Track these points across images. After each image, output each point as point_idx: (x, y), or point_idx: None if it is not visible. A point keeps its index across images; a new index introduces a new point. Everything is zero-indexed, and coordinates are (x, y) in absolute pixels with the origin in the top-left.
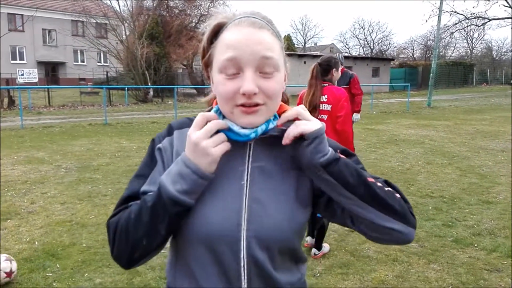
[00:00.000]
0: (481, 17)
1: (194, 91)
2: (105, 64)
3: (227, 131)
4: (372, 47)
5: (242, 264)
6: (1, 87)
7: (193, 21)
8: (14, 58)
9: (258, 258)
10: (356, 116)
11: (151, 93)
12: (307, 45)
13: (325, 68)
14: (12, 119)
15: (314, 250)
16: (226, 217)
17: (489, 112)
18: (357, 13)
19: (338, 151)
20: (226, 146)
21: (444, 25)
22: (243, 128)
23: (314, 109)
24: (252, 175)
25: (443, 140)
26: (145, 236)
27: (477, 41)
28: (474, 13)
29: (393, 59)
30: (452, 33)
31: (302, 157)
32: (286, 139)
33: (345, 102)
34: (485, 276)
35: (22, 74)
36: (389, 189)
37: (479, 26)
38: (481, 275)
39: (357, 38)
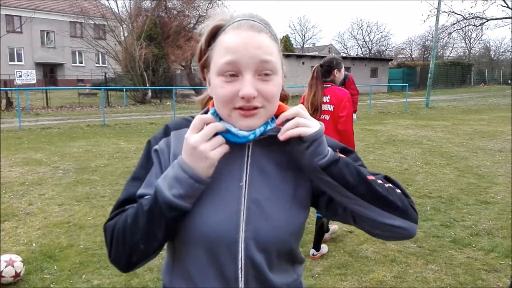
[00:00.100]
0: (479, 17)
1: (193, 92)
2: (103, 65)
3: (225, 133)
4: (370, 48)
5: (239, 266)
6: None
7: (192, 22)
8: (12, 59)
9: (256, 259)
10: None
11: (150, 94)
12: (305, 46)
13: (327, 69)
14: (10, 121)
15: (312, 251)
16: (224, 219)
17: (487, 112)
18: (355, 13)
19: (338, 149)
20: (224, 149)
21: (442, 25)
22: (241, 130)
23: (315, 110)
24: (251, 176)
25: (441, 140)
26: (142, 241)
27: (475, 41)
28: (472, 13)
29: (391, 60)
30: (450, 33)
31: (301, 160)
32: (282, 135)
33: (347, 103)
34: (483, 277)
35: (20, 76)
36: (390, 185)
37: (477, 26)
38: (479, 275)
39: (356, 38)
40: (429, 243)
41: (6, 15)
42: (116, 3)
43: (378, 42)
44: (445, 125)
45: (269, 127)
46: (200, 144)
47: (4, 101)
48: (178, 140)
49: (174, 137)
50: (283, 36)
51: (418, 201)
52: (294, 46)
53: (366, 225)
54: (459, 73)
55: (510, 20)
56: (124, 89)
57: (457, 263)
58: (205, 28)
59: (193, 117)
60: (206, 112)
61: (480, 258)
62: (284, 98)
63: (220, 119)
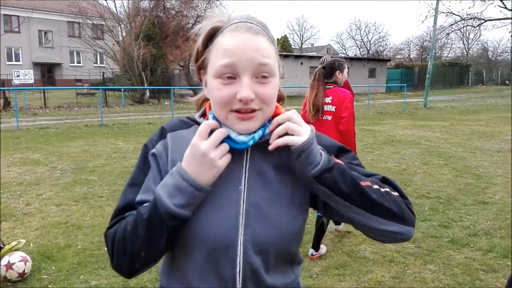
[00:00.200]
0: (477, 18)
1: (191, 92)
2: (101, 65)
3: (225, 138)
4: (368, 48)
5: (238, 269)
6: None
7: (190, 22)
8: (10, 59)
9: (254, 262)
10: None
11: (148, 94)
12: (304, 46)
13: (329, 70)
14: (7, 121)
15: (311, 251)
16: (223, 223)
17: (485, 112)
18: (353, 14)
19: (335, 149)
20: (229, 158)
21: (440, 26)
22: (240, 134)
23: (317, 111)
24: (250, 180)
25: (439, 140)
26: (143, 249)
27: (473, 42)
28: (470, 14)
29: (389, 60)
30: (448, 34)
31: (294, 168)
32: (272, 145)
33: (349, 104)
34: (481, 277)
35: (18, 76)
36: (386, 189)
37: (475, 27)
38: (477, 275)
39: (354, 39)
40: (427, 244)
41: (4, 14)
42: (114, 3)
43: (376, 42)
44: (443, 126)
45: (267, 131)
46: (210, 152)
47: (1, 101)
48: (176, 142)
49: (171, 139)
50: (282, 37)
51: (416, 202)
52: (293, 46)
53: (363, 230)
54: (457, 73)
55: (507, 20)
56: (122, 89)
57: (455, 263)
58: (202, 29)
59: (188, 118)
60: (203, 113)
61: (478, 258)
62: (280, 99)
63: (217, 121)
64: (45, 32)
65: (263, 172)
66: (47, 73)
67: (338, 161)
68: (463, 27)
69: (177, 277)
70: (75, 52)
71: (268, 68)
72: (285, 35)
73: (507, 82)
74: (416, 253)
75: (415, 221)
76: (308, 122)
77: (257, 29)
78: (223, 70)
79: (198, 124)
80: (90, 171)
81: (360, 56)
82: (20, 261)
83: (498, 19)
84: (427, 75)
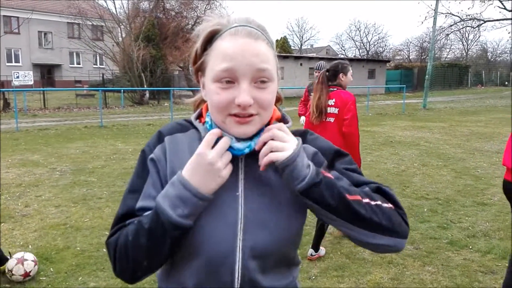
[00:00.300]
0: (476, 19)
1: (190, 93)
2: (101, 66)
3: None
4: (368, 49)
5: (236, 275)
6: None
7: (190, 23)
8: (9, 60)
9: (252, 267)
10: None
11: (147, 95)
12: (303, 47)
13: (332, 73)
14: (7, 122)
15: (311, 251)
16: (223, 230)
17: (484, 113)
18: (353, 15)
19: (331, 153)
20: (231, 167)
21: (440, 26)
22: (237, 141)
23: (320, 113)
24: (247, 186)
25: (438, 141)
26: (145, 258)
27: (472, 43)
28: (469, 15)
29: (388, 61)
30: (447, 34)
31: (283, 182)
32: (261, 166)
33: (351, 106)
34: (479, 278)
35: (18, 77)
36: (377, 202)
37: (474, 28)
38: (476, 277)
39: (353, 40)
40: (426, 245)
41: (4, 16)
42: (114, 4)
43: (375, 43)
44: (442, 127)
45: (256, 147)
46: (217, 161)
47: (1, 102)
48: (174, 146)
49: (169, 143)
50: (281, 37)
51: (415, 203)
52: (292, 47)
53: (353, 241)
54: (457, 74)
55: (507, 21)
56: (122, 90)
57: (454, 265)
58: (200, 32)
59: (186, 120)
60: (199, 114)
61: (477, 260)
62: (277, 100)
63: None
64: (45, 33)
65: (259, 177)
66: (47, 74)
67: (328, 174)
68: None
69: (175, 282)
70: (74, 53)
71: (267, 73)
72: (285, 36)
73: (506, 83)
74: (414, 254)
75: (408, 232)
76: (311, 124)
77: (256, 34)
78: (222, 75)
79: (195, 127)
80: (89, 173)
81: (360, 57)
82: (32, 260)
83: (497, 20)
84: (427, 76)
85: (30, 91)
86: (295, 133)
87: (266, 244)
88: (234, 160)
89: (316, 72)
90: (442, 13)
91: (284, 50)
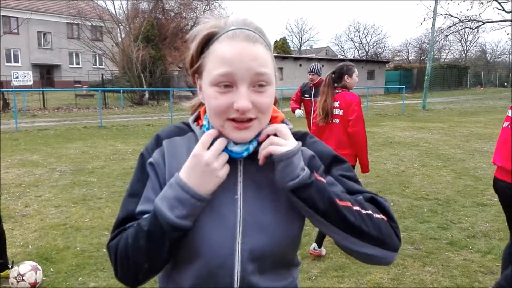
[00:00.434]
0: (475, 20)
1: (190, 93)
2: (100, 66)
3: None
4: (367, 50)
5: (235, 278)
6: None
7: (189, 23)
8: (9, 60)
9: (251, 270)
10: None
11: (147, 95)
12: (302, 48)
13: (338, 75)
14: (6, 122)
15: (314, 245)
16: (222, 233)
17: (484, 114)
18: (352, 16)
19: (329, 158)
20: (228, 168)
21: (439, 28)
22: (235, 144)
23: (326, 115)
24: (245, 189)
25: (438, 142)
26: (146, 261)
27: (471, 44)
28: (468, 16)
29: (388, 62)
30: (446, 36)
31: (275, 178)
32: (260, 159)
33: (356, 107)
34: (479, 279)
35: (17, 77)
36: (368, 212)
37: (473, 29)
38: (476, 277)
39: (352, 41)
40: (426, 245)
41: (3, 16)
42: (113, 5)
43: (375, 44)
44: (441, 127)
45: (260, 139)
46: (214, 162)
47: (1, 102)
48: (172, 149)
49: (167, 146)
50: (280, 38)
51: (415, 203)
52: (291, 48)
53: (341, 248)
54: (456, 75)
55: (506, 23)
56: (121, 91)
57: (454, 265)
58: (197, 34)
59: (184, 123)
60: (197, 117)
61: (477, 260)
62: (274, 102)
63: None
64: (44, 34)
65: (258, 181)
66: (46, 74)
67: (320, 178)
68: (461, 29)
69: (175, 284)
70: (74, 54)
71: (265, 77)
72: (284, 37)
73: (505, 84)
74: (414, 255)
75: (399, 246)
76: (318, 126)
77: (254, 37)
78: (220, 79)
79: (193, 131)
80: (89, 173)
81: (359, 58)
82: (30, 270)
83: (496, 21)
84: (426, 77)
85: (30, 91)
86: (296, 135)
87: (265, 247)
88: (233, 163)
89: (310, 74)
90: (441, 14)
91: (283, 51)
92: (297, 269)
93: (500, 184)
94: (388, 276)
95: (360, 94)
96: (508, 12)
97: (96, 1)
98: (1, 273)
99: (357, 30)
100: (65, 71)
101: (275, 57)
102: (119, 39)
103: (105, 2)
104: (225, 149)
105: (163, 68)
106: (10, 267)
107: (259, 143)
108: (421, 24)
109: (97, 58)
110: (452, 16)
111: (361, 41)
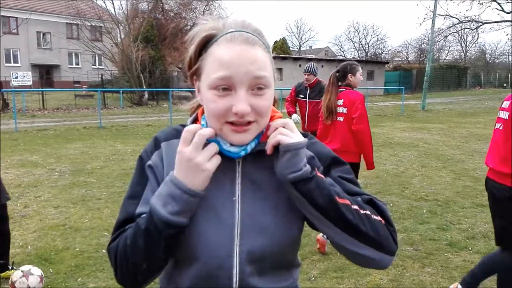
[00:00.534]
0: (474, 21)
1: (189, 94)
2: (100, 67)
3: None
4: (366, 50)
5: (234, 280)
6: None
7: (188, 24)
8: (8, 61)
9: (250, 271)
10: None
11: (146, 96)
12: (302, 48)
13: (342, 74)
14: (6, 122)
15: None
16: (219, 234)
17: (483, 115)
18: (352, 16)
19: (328, 160)
20: (218, 160)
21: (438, 28)
22: (232, 145)
23: (330, 113)
24: (243, 190)
25: (437, 143)
26: (144, 261)
27: (470, 45)
28: (467, 17)
29: (387, 62)
30: (446, 36)
31: (276, 169)
32: (268, 148)
33: (359, 105)
34: None
35: (16, 77)
36: (367, 212)
37: (472, 30)
38: None
39: (352, 41)
40: (425, 246)
41: (2, 16)
42: (113, 5)
43: (374, 45)
44: (441, 128)
45: (268, 133)
46: (195, 156)
47: (0, 103)
48: (170, 151)
49: (165, 148)
50: (280, 39)
51: (414, 204)
52: (291, 48)
53: (337, 248)
54: (455, 76)
55: (505, 23)
56: (121, 91)
57: (454, 266)
58: (195, 35)
59: (182, 125)
60: (195, 119)
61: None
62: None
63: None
64: (44, 34)
65: (256, 182)
66: (46, 74)
67: (321, 175)
68: (461, 29)
69: (174, 285)
70: (73, 54)
71: (264, 81)
72: (284, 37)
73: (504, 84)
74: (414, 256)
75: (395, 250)
76: (323, 124)
77: (253, 40)
78: (218, 82)
79: None
80: (88, 173)
81: (359, 58)
82: (39, 282)
83: (495, 22)
84: (425, 78)
85: (29, 92)
86: None
87: (264, 248)
88: (231, 164)
89: (305, 74)
90: (441, 15)
91: (283, 51)
92: (297, 270)
93: (491, 184)
94: (387, 277)
95: None
96: (508, 13)
97: (95, 1)
98: (1, 274)
99: (357, 30)
100: (65, 71)
101: (275, 57)
102: (119, 39)
103: (104, 2)
104: (222, 149)
105: (162, 68)
106: (10, 268)
107: (258, 144)
108: (420, 24)
109: (97, 58)
110: (451, 16)
111: (360, 42)
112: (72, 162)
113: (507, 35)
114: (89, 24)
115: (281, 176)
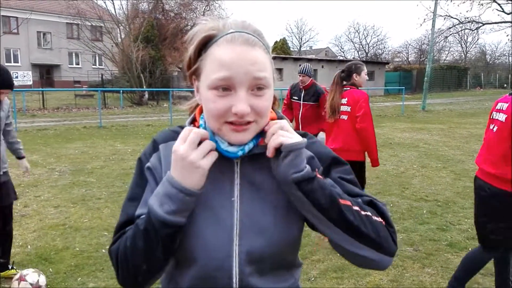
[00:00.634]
0: (475, 22)
1: (190, 93)
2: (100, 67)
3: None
4: (367, 51)
5: (234, 280)
6: None
7: (189, 24)
8: (8, 60)
9: (250, 272)
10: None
11: (146, 96)
12: (302, 49)
13: (347, 73)
14: None
15: None
16: (218, 235)
17: (483, 115)
18: (352, 17)
19: (328, 160)
20: (214, 156)
21: (439, 29)
22: (230, 145)
23: (334, 112)
24: (242, 191)
25: (437, 143)
26: (144, 262)
27: (471, 45)
28: (468, 18)
29: (387, 63)
30: (446, 37)
31: (277, 171)
32: (269, 151)
33: (363, 103)
34: (479, 280)
35: (17, 77)
36: (367, 213)
37: (473, 30)
38: (475, 279)
39: (352, 41)
40: (425, 247)
41: (3, 16)
42: (113, 5)
43: (374, 45)
44: (441, 129)
45: (266, 140)
46: (189, 154)
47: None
48: (168, 153)
49: (163, 150)
50: (280, 39)
51: (414, 205)
52: (291, 49)
53: (336, 249)
54: (455, 76)
55: (505, 24)
56: (121, 91)
57: (454, 267)
58: (194, 35)
59: (180, 127)
60: (193, 119)
61: None
62: (272, 102)
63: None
64: (44, 34)
65: (255, 182)
66: (46, 74)
67: (320, 177)
68: (461, 30)
69: (174, 286)
70: (73, 54)
71: (264, 81)
72: (284, 38)
73: (505, 85)
74: (414, 256)
75: (395, 251)
76: (329, 123)
77: (253, 41)
78: (218, 83)
79: None
80: (88, 173)
81: (359, 59)
82: (30, 283)
83: (496, 23)
84: (425, 78)
85: (29, 91)
86: None
87: (263, 249)
88: (229, 165)
89: (300, 75)
90: (441, 15)
91: (283, 52)
92: (298, 270)
93: (479, 183)
94: (387, 278)
95: None
96: (508, 14)
97: (96, 1)
98: (1, 273)
99: (357, 31)
100: (65, 71)
101: (275, 58)
102: (119, 39)
103: (105, 2)
104: (220, 149)
105: (162, 68)
106: (10, 267)
107: (256, 147)
108: (421, 25)
109: (97, 58)
110: (452, 17)
111: (361, 42)
112: (72, 162)
113: (507, 36)
114: (90, 24)
115: (283, 177)
